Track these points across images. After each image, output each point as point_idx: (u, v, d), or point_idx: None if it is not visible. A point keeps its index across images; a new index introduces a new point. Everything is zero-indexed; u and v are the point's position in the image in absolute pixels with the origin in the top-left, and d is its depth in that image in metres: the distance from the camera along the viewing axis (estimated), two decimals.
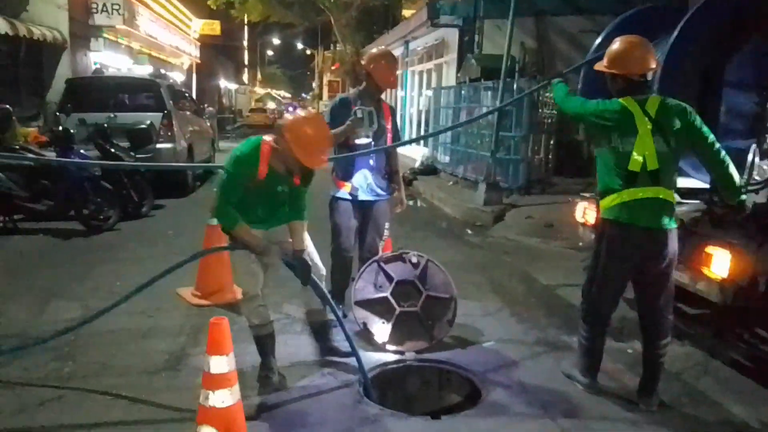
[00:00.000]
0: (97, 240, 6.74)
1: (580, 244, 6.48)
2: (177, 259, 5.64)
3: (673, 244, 3.08)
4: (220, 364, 2.16)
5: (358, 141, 3.98)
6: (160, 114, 9.42)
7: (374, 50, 4.28)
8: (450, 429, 2.95)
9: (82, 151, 7.36)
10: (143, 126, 8.81)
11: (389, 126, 4.14)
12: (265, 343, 3.33)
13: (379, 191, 4.15)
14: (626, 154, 2.99)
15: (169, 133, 9.51)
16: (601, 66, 3.17)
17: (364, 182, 4.09)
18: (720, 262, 3.45)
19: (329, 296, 3.41)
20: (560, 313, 4.68)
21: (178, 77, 20.01)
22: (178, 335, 4.00)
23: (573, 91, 3.54)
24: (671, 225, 3.06)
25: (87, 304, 4.52)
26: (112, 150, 7.88)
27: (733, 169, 3.02)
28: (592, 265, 3.29)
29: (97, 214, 7.12)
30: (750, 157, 3.34)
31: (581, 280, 3.45)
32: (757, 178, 3.37)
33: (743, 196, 3.06)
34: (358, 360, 3.30)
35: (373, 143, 4.02)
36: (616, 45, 3.14)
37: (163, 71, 12.55)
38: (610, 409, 3.16)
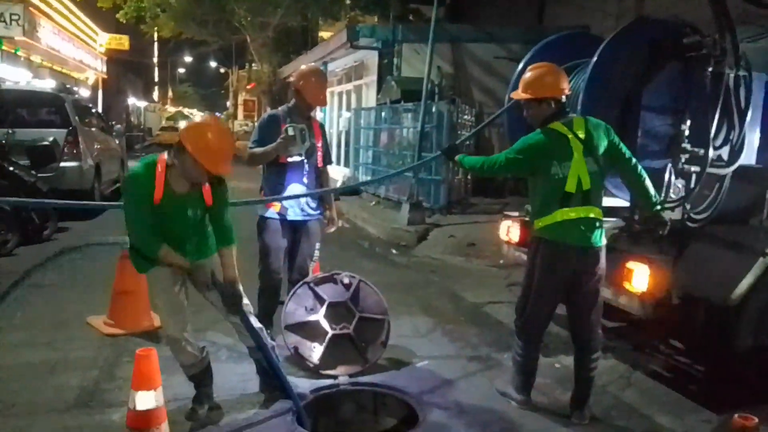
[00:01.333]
0: None
1: (502, 261, 6.67)
2: (86, 286, 5.28)
3: (603, 261, 3.19)
4: (147, 400, 1.97)
5: (290, 159, 3.86)
6: (65, 130, 8.83)
7: (303, 67, 4.19)
8: None
9: None
10: (46, 143, 8.21)
11: (319, 144, 4.05)
12: (200, 378, 3.14)
13: (310, 211, 4.04)
14: (563, 177, 3.08)
15: (75, 151, 8.92)
16: (520, 95, 3.26)
17: (294, 201, 3.96)
18: (639, 277, 3.60)
19: (257, 331, 3.12)
20: (490, 330, 4.73)
21: (83, 93, 18.93)
22: (90, 368, 3.68)
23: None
24: (601, 242, 3.17)
25: None
26: (11, 168, 7.27)
27: (649, 183, 3.19)
28: (525, 283, 3.34)
29: None
30: (666, 176, 3.53)
31: (507, 297, 3.52)
32: (672, 196, 3.56)
33: (657, 207, 3.24)
34: (288, 389, 3.15)
35: (305, 161, 3.92)
36: (529, 73, 3.27)
37: (68, 86, 11.81)
38: (546, 425, 3.20)
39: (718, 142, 3.58)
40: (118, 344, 4.00)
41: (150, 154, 3.02)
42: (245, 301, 3.12)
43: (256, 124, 4.53)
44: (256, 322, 3.14)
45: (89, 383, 3.47)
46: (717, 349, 3.66)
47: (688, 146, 3.56)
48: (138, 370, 2.00)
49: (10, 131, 8.30)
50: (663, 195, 3.53)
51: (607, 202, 4.20)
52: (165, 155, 2.85)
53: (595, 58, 3.80)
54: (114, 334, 4.25)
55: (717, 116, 3.50)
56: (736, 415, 1.73)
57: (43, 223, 7.34)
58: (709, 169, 3.54)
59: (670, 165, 3.54)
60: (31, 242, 7.04)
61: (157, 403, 2.00)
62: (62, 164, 8.58)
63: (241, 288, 3.06)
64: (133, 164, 12.85)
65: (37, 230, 7.25)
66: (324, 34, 21.44)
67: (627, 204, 3.91)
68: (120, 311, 4.40)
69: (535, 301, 3.26)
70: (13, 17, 13.92)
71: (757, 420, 1.88)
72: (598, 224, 3.13)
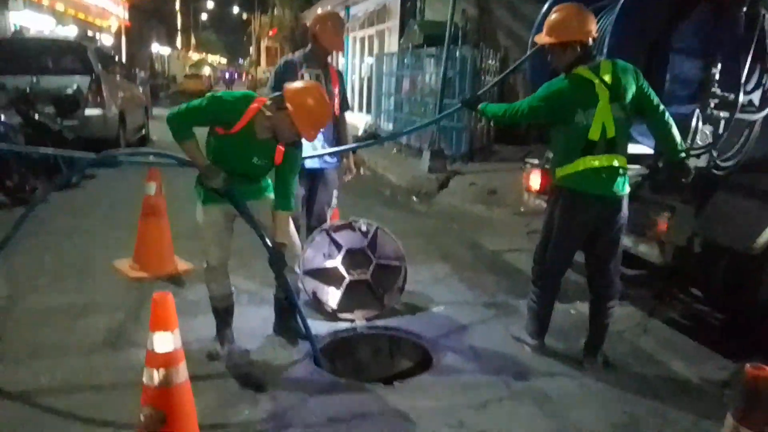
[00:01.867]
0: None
1: (522, 209, 6.61)
2: (112, 231, 5.40)
3: (625, 209, 3.14)
4: (164, 342, 2.03)
5: None
6: (88, 78, 8.86)
7: (320, 11, 4.10)
8: (403, 395, 2.93)
9: (2, 117, 6.83)
10: (69, 91, 8.27)
11: (336, 91, 4.00)
12: (222, 316, 3.26)
13: (328, 159, 4.04)
14: (587, 125, 3.00)
15: (99, 99, 8.98)
16: (543, 39, 3.14)
17: (311, 150, 3.95)
18: (661, 226, 3.55)
19: (294, 296, 3.23)
20: (507, 277, 4.74)
21: (106, 41, 18.91)
22: (116, 311, 3.80)
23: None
24: (624, 191, 3.11)
25: (16, 282, 4.24)
26: (36, 117, 7.37)
27: (676, 132, 3.08)
28: (544, 231, 3.32)
29: (22, 185, 6.65)
30: (693, 121, 3.41)
31: (526, 245, 3.51)
32: (699, 142, 3.45)
33: (683, 155, 3.15)
34: (308, 331, 3.23)
35: None
36: (554, 16, 3.13)
37: (90, 34, 11.79)
38: (560, 369, 3.23)
39: (750, 87, 3.44)
40: (143, 288, 4.12)
41: (175, 101, 3.04)
42: (297, 244, 3.26)
43: (272, 69, 4.47)
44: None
45: (115, 325, 3.59)
46: (738, 298, 3.62)
47: (717, 90, 3.43)
48: (154, 313, 2.05)
49: (35, 79, 8.36)
50: (690, 141, 3.43)
51: (631, 149, 4.11)
52: (260, 99, 2.91)
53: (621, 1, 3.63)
54: (139, 277, 4.37)
55: (749, 59, 3.35)
56: (748, 365, 1.72)
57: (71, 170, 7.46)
58: (739, 115, 3.41)
59: (697, 110, 3.42)
60: (59, 189, 7.17)
61: (175, 345, 2.06)
62: (86, 112, 8.65)
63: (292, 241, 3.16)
64: (158, 112, 12.82)
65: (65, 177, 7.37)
66: None
67: (651, 151, 3.81)
68: (145, 255, 4.52)
69: (553, 249, 3.24)
70: None
71: None
72: (621, 172, 3.06)
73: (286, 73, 3.87)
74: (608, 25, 3.84)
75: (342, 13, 18.94)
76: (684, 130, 3.32)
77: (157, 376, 2.04)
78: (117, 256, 4.70)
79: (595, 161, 3.03)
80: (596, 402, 2.95)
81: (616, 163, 3.05)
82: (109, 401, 2.78)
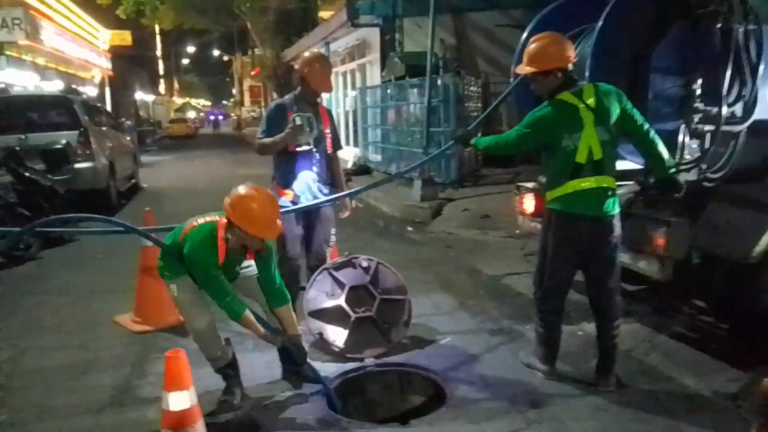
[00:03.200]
0: (20, 271, 6.27)
1: (517, 232, 6.66)
2: (110, 285, 5.37)
3: (618, 228, 3.18)
4: (180, 401, 2.02)
5: (299, 148, 3.87)
6: (76, 132, 8.90)
7: (306, 53, 4.18)
8: None
9: None
10: (58, 145, 8.30)
11: (328, 130, 4.05)
12: (227, 371, 3.23)
13: (323, 197, 4.06)
14: (574, 149, 3.06)
15: (88, 152, 8.99)
16: (525, 69, 3.22)
17: (306, 189, 3.98)
18: (657, 240, 3.59)
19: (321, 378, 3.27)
20: (510, 302, 4.75)
21: (90, 92, 19.02)
22: (121, 367, 3.76)
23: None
24: (615, 210, 3.15)
25: (17, 343, 4.19)
26: (27, 174, 7.37)
27: (662, 148, 3.15)
28: (540, 255, 3.35)
29: (16, 243, 6.60)
30: (680, 137, 3.49)
31: (524, 268, 3.53)
32: (687, 157, 3.52)
33: (672, 170, 3.20)
34: (319, 377, 3.23)
35: (314, 149, 3.93)
36: (532, 46, 3.22)
37: (74, 86, 11.87)
38: (573, 393, 3.23)
39: (731, 99, 3.52)
40: (146, 341, 4.09)
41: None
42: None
43: (263, 112, 4.53)
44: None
45: (122, 381, 3.55)
46: (739, 307, 3.65)
47: (700, 105, 3.51)
48: (169, 372, 2.04)
49: (23, 136, 8.40)
50: (678, 157, 3.50)
51: (621, 165, 4.18)
52: (219, 221, 2.97)
53: (600, 22, 3.73)
54: (141, 331, 4.34)
55: (728, 73, 3.44)
56: (766, 380, 1.73)
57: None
58: (724, 127, 3.49)
59: (683, 126, 3.49)
60: (53, 244, 7.16)
61: (191, 403, 2.05)
62: (76, 165, 8.66)
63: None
64: (146, 159, 12.87)
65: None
66: (324, 14, 21.22)
67: (641, 167, 3.87)
68: (145, 308, 4.48)
69: (551, 272, 3.27)
70: (15, 21, 13.93)
71: None
72: (610, 193, 3.12)
73: (278, 115, 3.93)
74: (588, 48, 3.95)
75: (323, 50, 19.22)
76: (671, 145, 3.39)
77: None
78: (117, 310, 4.66)
79: (584, 183, 3.08)
80: (612, 424, 2.93)
81: (604, 185, 3.10)
82: None
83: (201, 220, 3.05)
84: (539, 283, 3.37)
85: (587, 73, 3.72)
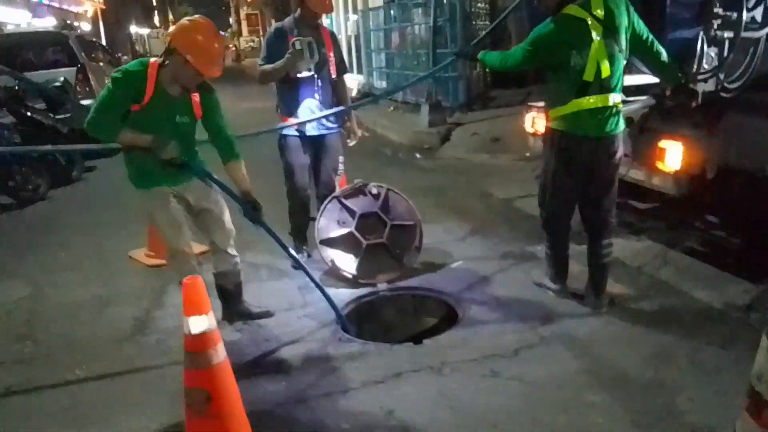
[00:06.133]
0: (31, 212, 6.33)
1: (528, 154, 6.56)
2: (121, 222, 5.39)
3: (620, 148, 3.11)
4: (200, 324, 2.05)
5: (299, 75, 3.76)
6: (74, 68, 8.73)
7: None
8: (434, 351, 2.97)
9: None
10: (58, 83, 8.14)
11: (331, 54, 3.91)
12: (228, 294, 3.28)
13: (328, 124, 3.99)
14: (582, 65, 2.94)
15: (87, 88, 8.86)
16: None
17: (309, 113, 3.90)
18: (673, 155, 3.51)
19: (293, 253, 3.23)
20: (521, 224, 4.74)
21: (84, 27, 18.54)
22: (140, 299, 3.83)
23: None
24: (618, 129, 3.07)
25: (35, 281, 4.27)
26: (29, 113, 7.28)
27: (666, 57, 3.06)
28: (543, 176, 3.30)
29: (24, 184, 6.62)
30: (698, 45, 3.34)
31: (535, 190, 3.47)
32: (705, 66, 3.39)
33: (682, 79, 3.09)
34: (327, 297, 3.25)
35: (316, 75, 3.82)
36: None
37: (69, 21, 11.55)
38: (584, 310, 3.26)
39: (752, 3, 3.34)
40: (162, 274, 4.13)
41: None
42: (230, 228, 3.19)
43: (263, 39, 4.37)
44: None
45: (142, 313, 3.62)
46: (755, 219, 3.61)
47: (719, 10, 3.34)
48: (187, 297, 2.06)
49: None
50: (696, 66, 3.36)
51: (637, 80, 4.04)
52: (153, 59, 2.81)
53: None
54: (156, 264, 4.39)
55: None
56: None
57: (70, 164, 7.43)
58: (744, 33, 3.33)
59: (702, 33, 3.34)
60: (61, 184, 7.17)
61: (210, 326, 2.08)
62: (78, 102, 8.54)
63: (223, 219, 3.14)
64: None
65: (66, 172, 7.36)
66: None
67: (657, 80, 3.74)
68: (158, 242, 4.50)
69: (554, 193, 3.23)
70: None
71: None
72: (615, 111, 3.02)
73: (278, 40, 3.80)
74: None
75: None
76: (689, 54, 3.25)
77: (196, 358, 2.06)
78: (131, 245, 4.71)
79: (590, 102, 2.98)
80: (624, 338, 2.98)
81: (610, 102, 3.00)
82: (147, 387, 2.83)
83: None
84: (543, 204, 3.34)
85: None
